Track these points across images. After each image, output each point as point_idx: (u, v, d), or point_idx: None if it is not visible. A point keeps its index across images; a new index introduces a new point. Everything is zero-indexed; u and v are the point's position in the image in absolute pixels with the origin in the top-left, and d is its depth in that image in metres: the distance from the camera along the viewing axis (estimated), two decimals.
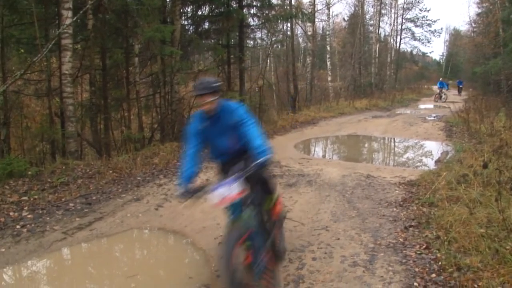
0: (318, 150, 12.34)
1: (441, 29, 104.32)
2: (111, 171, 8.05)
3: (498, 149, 9.23)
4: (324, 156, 11.21)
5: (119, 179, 7.70)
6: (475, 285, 3.81)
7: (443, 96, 30.38)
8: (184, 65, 11.87)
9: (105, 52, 10.92)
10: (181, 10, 12.27)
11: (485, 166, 5.28)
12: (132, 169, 8.25)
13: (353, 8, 34.36)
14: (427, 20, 41.86)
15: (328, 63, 27.26)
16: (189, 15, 14.05)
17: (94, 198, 6.62)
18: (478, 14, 40.29)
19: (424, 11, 43.41)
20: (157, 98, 12.59)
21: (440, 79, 33.70)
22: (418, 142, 12.83)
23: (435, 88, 35.24)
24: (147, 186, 7.33)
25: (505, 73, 23.63)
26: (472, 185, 6.39)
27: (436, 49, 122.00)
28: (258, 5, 14.27)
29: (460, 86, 37.49)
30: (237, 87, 14.21)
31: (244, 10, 14.25)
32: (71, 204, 6.27)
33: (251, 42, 18.16)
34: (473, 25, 44.25)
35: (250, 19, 14.95)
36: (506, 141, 9.98)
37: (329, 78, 27.18)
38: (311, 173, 8.19)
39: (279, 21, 16.15)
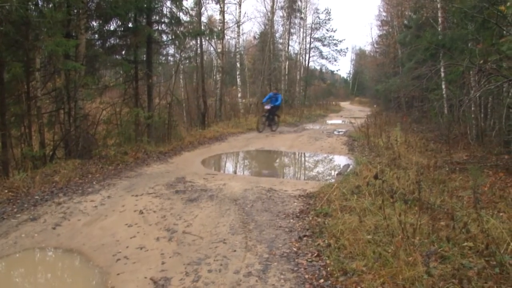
0: (224, 165, 12.46)
1: (347, 48, 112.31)
2: (6, 191, 7.65)
3: (392, 161, 9.97)
4: (229, 171, 11.38)
5: (14, 199, 7.33)
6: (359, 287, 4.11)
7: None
8: (89, 80, 11.56)
9: (2, 65, 10.39)
10: (86, 25, 11.95)
11: (376, 177, 5.65)
12: (29, 188, 7.90)
13: (263, 27, 35.24)
14: (333, 40, 44.73)
15: (238, 80, 27.72)
16: (96, 29, 13.72)
17: None
18: (379, 36, 43.59)
19: (331, 31, 46.25)
20: (62, 114, 12.11)
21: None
22: (322, 156, 13.41)
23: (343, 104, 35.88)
24: (45, 205, 7.04)
25: (403, 91, 25.30)
26: (364, 195, 6.85)
27: (343, 68, 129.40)
28: (166, 21, 14.23)
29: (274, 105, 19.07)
30: (145, 103, 14.03)
31: (154, 26, 14.19)
32: None
33: (163, 58, 17.98)
34: (375, 46, 47.78)
35: (159, 35, 14.86)
36: (399, 153, 10.80)
37: (239, 95, 27.71)
38: (213, 188, 8.27)
39: (187, 38, 16.16)
